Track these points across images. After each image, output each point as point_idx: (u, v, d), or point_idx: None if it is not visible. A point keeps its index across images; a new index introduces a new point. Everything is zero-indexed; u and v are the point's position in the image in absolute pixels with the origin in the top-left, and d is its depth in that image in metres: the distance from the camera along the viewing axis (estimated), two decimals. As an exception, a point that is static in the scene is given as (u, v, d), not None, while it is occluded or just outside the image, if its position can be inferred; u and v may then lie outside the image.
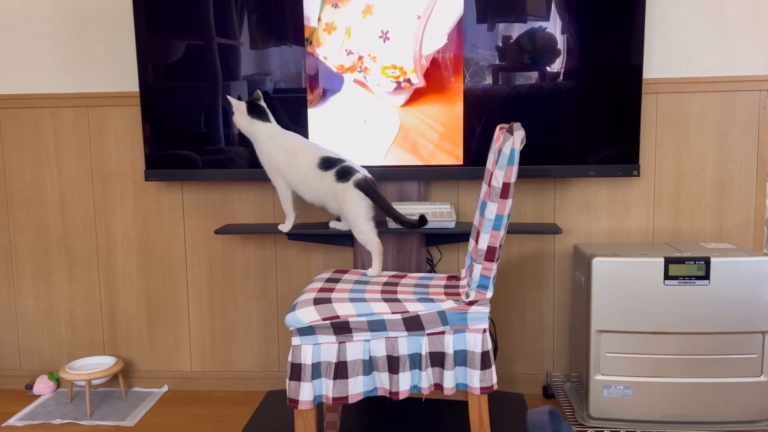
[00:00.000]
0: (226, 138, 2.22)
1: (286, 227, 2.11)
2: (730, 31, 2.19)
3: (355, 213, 1.91)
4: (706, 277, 1.94)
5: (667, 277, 1.95)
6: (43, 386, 2.45)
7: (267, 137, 2.04)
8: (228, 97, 2.07)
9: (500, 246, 1.59)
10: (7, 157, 2.44)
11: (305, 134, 2.19)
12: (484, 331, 1.60)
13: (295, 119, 2.19)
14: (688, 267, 1.94)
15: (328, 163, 1.96)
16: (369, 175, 1.94)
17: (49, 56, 2.38)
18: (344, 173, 1.93)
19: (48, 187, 2.44)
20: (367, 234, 1.92)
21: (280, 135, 2.06)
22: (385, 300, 1.63)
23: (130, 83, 2.37)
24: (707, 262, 1.94)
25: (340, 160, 1.97)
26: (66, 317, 2.51)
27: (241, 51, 2.18)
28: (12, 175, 2.45)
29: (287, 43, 2.16)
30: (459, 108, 2.14)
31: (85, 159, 2.42)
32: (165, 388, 2.49)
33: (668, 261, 1.95)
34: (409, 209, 2.14)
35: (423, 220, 1.92)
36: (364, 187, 1.90)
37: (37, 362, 2.54)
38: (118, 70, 2.37)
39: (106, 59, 2.37)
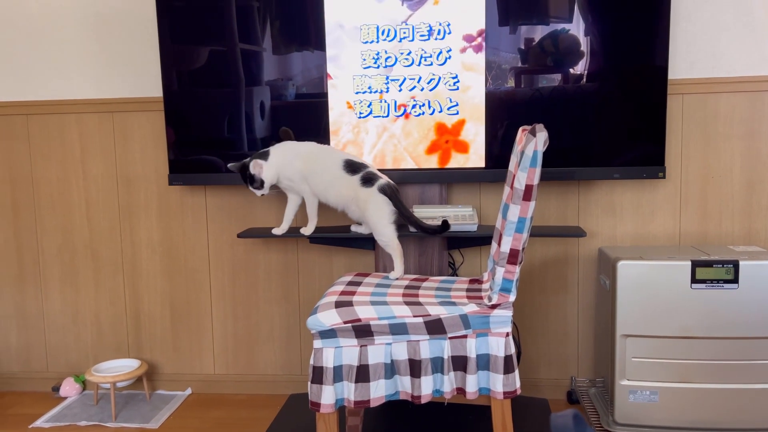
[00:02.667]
0: (249, 142, 2.23)
1: (308, 231, 2.11)
2: (759, 30, 2.15)
3: (377, 217, 1.91)
4: (735, 280, 1.90)
5: (694, 280, 1.92)
6: (69, 388, 2.48)
7: (281, 157, 2.03)
8: (250, 172, 2.01)
9: (523, 249, 1.57)
10: (35, 162, 2.48)
11: (327, 139, 2.19)
12: (507, 335, 1.59)
13: (316, 124, 2.20)
14: (716, 270, 1.91)
15: (353, 166, 1.96)
16: (391, 182, 1.94)
17: (74, 62, 2.42)
18: (368, 179, 1.93)
19: (74, 191, 2.48)
20: (388, 237, 1.92)
21: (291, 146, 2.06)
22: (407, 303, 1.62)
23: (154, 89, 2.39)
24: (736, 265, 1.90)
25: (363, 165, 1.97)
26: (92, 320, 2.54)
27: (263, 56, 2.19)
28: (39, 181, 2.49)
29: (309, 48, 2.17)
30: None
31: (110, 164, 2.45)
32: (188, 391, 2.51)
33: (695, 264, 1.92)
34: (431, 213, 2.13)
35: (445, 225, 1.91)
36: (387, 192, 1.90)
37: (64, 365, 2.58)
38: (141, 75, 2.39)
39: (130, 65, 2.40)
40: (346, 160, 1.98)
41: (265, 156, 2.02)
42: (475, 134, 2.14)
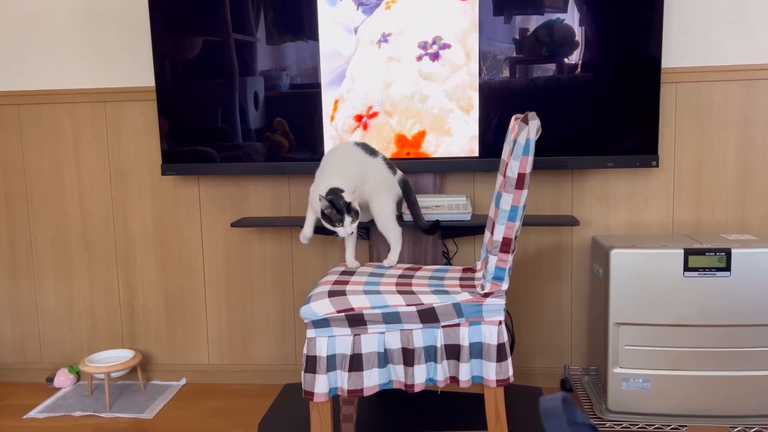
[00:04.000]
0: (243, 133, 2.22)
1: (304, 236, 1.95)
2: (753, 19, 2.15)
3: (390, 207, 1.89)
4: (727, 268, 1.91)
5: (686, 268, 1.92)
6: (63, 379, 2.48)
7: (337, 170, 1.85)
8: (345, 201, 1.74)
9: (516, 237, 1.57)
10: (27, 153, 2.47)
11: (320, 130, 2.19)
12: (500, 323, 1.59)
13: (311, 114, 2.19)
14: (708, 258, 1.91)
15: (368, 149, 1.91)
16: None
17: (66, 52, 2.40)
18: (391, 165, 1.91)
19: (67, 182, 2.47)
20: (392, 226, 1.90)
21: (331, 158, 1.91)
22: (400, 292, 1.62)
23: (147, 78, 2.38)
24: (728, 253, 1.91)
25: (374, 149, 1.93)
26: (86, 311, 2.54)
27: (257, 47, 2.18)
28: (32, 171, 2.48)
29: (303, 38, 2.16)
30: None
31: (102, 154, 2.44)
32: (183, 381, 2.51)
33: (688, 252, 1.92)
34: (425, 202, 2.13)
35: (435, 227, 1.93)
36: (403, 184, 1.91)
37: (58, 355, 2.58)
38: (134, 65, 2.38)
39: (123, 54, 2.38)
40: (358, 142, 1.92)
41: (339, 192, 1.76)
42: (437, 146, 2.12)
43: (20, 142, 2.47)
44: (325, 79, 2.14)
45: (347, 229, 1.76)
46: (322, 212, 1.76)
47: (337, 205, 1.75)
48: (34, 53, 2.42)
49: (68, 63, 2.41)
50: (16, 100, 2.44)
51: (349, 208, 1.75)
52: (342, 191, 1.76)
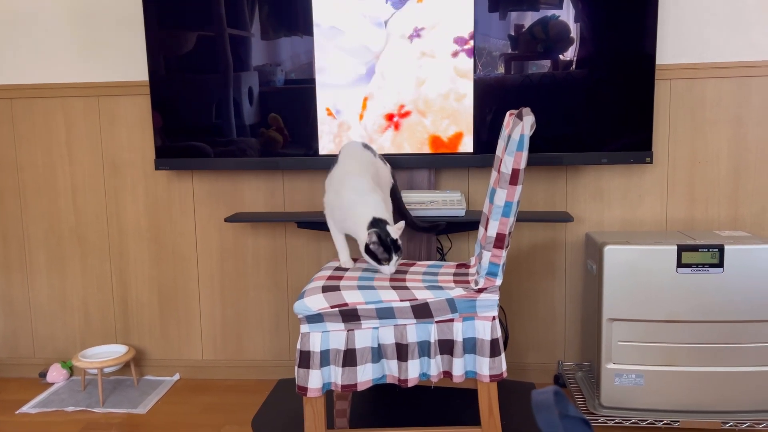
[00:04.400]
0: (238, 128, 2.22)
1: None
2: (746, 16, 2.15)
3: (390, 206, 1.89)
4: (720, 264, 1.92)
5: (680, 265, 1.93)
6: (56, 374, 2.47)
7: (365, 185, 1.76)
8: (392, 237, 1.65)
9: (510, 233, 1.57)
10: (20, 147, 2.46)
11: (314, 127, 2.18)
12: (494, 318, 1.59)
13: (306, 110, 2.19)
14: (701, 255, 1.92)
15: (370, 148, 1.92)
16: None
17: (59, 45, 2.39)
18: (383, 159, 1.92)
19: (60, 177, 2.46)
20: (391, 223, 1.89)
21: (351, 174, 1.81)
22: (394, 288, 1.62)
23: (140, 72, 2.37)
24: (721, 249, 1.91)
25: (371, 147, 1.94)
26: (79, 306, 2.53)
27: (252, 42, 2.17)
28: (24, 166, 2.47)
29: (298, 33, 2.15)
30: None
31: (96, 149, 2.43)
32: (177, 377, 2.51)
33: (681, 249, 1.93)
34: (420, 198, 2.13)
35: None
36: (393, 177, 1.91)
37: (51, 351, 2.57)
38: (127, 59, 2.37)
39: (116, 48, 2.37)
40: (363, 143, 1.92)
41: (383, 225, 1.66)
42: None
43: (12, 136, 2.46)
44: (353, 75, 2.07)
45: (392, 268, 1.68)
46: (367, 247, 1.65)
47: (384, 243, 1.65)
48: (27, 47, 2.41)
49: (61, 57, 2.40)
50: (9, 94, 2.43)
51: (396, 246, 1.66)
52: (387, 223, 1.66)
